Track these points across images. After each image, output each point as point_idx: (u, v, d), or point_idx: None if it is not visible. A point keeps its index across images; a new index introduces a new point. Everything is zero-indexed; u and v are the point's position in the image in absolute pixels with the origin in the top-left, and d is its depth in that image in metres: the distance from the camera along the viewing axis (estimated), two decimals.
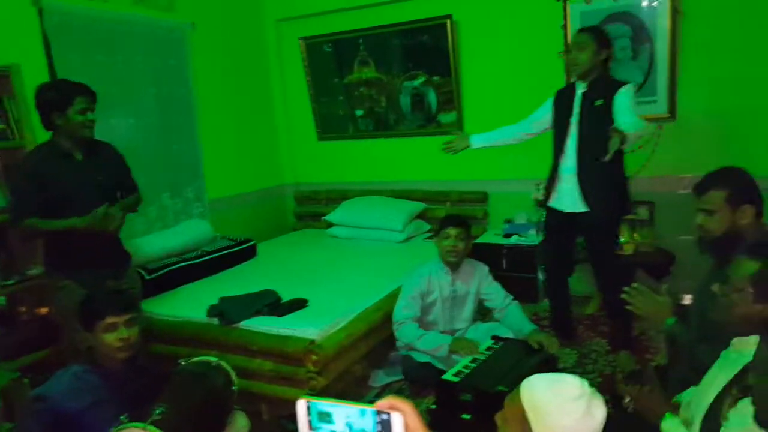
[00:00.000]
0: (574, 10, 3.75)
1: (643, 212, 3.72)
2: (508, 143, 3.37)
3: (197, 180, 4.26)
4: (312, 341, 2.66)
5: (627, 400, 1.76)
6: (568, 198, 3.06)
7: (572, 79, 3.13)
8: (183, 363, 2.32)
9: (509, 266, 4.01)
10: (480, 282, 3.14)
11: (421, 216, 4.54)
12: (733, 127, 3.54)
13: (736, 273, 1.48)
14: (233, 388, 2.26)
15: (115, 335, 1.99)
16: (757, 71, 3.41)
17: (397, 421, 0.72)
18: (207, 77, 4.32)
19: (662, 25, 3.55)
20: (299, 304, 2.99)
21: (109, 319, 1.97)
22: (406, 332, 2.94)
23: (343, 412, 0.75)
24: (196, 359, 2.35)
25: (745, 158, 3.43)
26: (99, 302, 2.04)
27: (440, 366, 2.84)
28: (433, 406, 2.60)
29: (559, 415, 1.10)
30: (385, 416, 0.73)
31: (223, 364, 2.29)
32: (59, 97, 2.46)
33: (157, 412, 1.97)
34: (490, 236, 4.22)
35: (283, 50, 4.95)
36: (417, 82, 4.47)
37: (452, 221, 2.98)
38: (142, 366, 2.21)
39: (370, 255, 4.07)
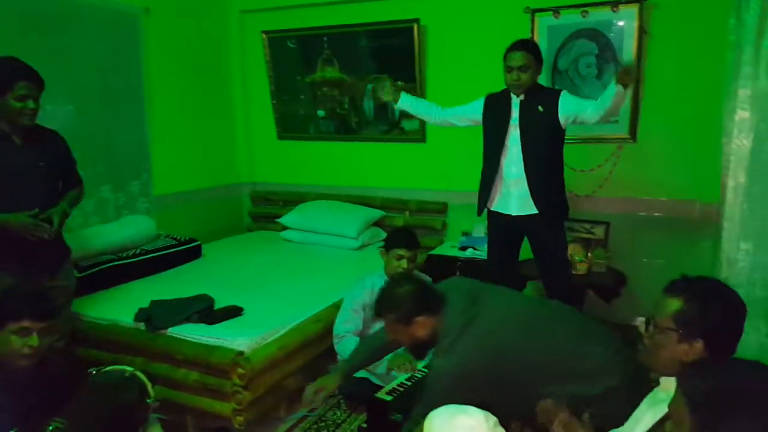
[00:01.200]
0: (541, 23, 3.68)
1: (598, 232, 3.65)
2: (426, 119, 3.36)
3: (143, 174, 4.04)
4: (240, 353, 2.51)
5: None
6: (516, 201, 3.02)
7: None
8: (94, 373, 2.16)
9: None
10: None
11: (378, 224, 4.41)
12: (693, 153, 3.50)
13: (660, 312, 1.42)
14: (148, 401, 2.10)
15: (24, 341, 1.83)
16: (719, 97, 3.35)
17: None
18: (161, 66, 4.13)
19: (628, 45, 3.50)
20: (233, 312, 2.83)
21: (25, 323, 1.81)
22: (346, 346, 2.81)
23: None
24: (109, 369, 2.19)
25: (700, 185, 3.47)
26: (18, 302, 1.87)
27: (378, 382, 2.72)
28: (365, 425, 2.49)
29: None
30: None
31: (139, 374, 2.13)
32: None
33: (51, 428, 1.82)
34: (446, 248, 4.13)
35: (245, 43, 4.79)
36: None
37: (405, 241, 2.86)
38: (54, 373, 2.04)
39: (322, 261, 3.92)
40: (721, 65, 2.71)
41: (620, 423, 1.50)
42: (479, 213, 3.19)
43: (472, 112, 3.14)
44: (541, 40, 3.68)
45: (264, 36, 4.58)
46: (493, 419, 1.11)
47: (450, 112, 3.23)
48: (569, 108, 2.88)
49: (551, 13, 3.63)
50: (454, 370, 1.90)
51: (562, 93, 2.93)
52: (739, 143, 2.38)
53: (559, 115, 2.89)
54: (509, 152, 2.99)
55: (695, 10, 3.36)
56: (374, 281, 2.90)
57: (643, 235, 3.71)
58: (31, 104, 2.35)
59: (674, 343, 1.39)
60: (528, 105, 2.94)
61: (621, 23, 3.49)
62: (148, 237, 3.73)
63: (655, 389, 1.51)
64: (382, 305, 2.09)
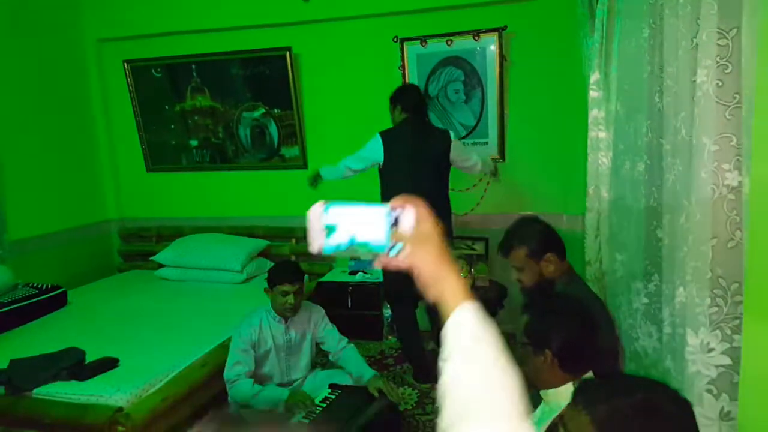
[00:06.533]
0: (411, 52, 3.83)
1: (479, 247, 3.82)
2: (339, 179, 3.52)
3: None
4: (119, 409, 2.32)
5: None
6: None
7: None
8: None
9: (354, 304, 3.94)
10: (315, 326, 2.97)
11: (264, 254, 4.30)
12: (557, 170, 3.77)
13: (519, 329, 1.56)
14: None
15: None
16: (572, 116, 3.58)
17: (408, 214, 0.80)
18: (11, 100, 3.80)
19: (491, 71, 3.73)
20: (108, 364, 2.61)
21: None
22: (240, 390, 2.64)
23: (349, 221, 0.80)
24: None
25: (566, 199, 3.74)
26: None
27: None
28: None
29: None
30: (397, 212, 0.80)
31: None
32: None
33: None
34: (336, 274, 4.13)
35: (105, 73, 4.51)
36: (257, 114, 4.27)
37: (287, 276, 2.72)
38: None
39: (204, 299, 3.73)
40: (578, 87, 2.92)
41: None
42: None
43: (376, 154, 3.33)
44: (411, 67, 3.83)
45: (126, 65, 4.33)
46: None
47: (351, 161, 3.43)
48: (463, 158, 3.31)
49: (419, 42, 3.78)
50: None
51: (452, 139, 3.24)
52: (598, 160, 2.55)
53: None
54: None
55: (549, 38, 3.64)
56: (262, 317, 2.80)
57: None
58: None
59: (531, 356, 1.50)
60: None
61: (484, 51, 3.71)
62: (4, 287, 3.36)
63: (542, 404, 1.58)
64: (516, 236, 2.05)
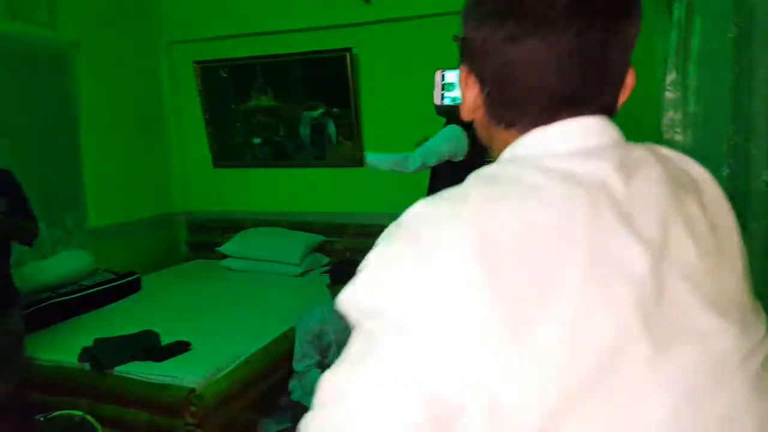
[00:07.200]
0: None
1: None
2: (401, 170, 3.10)
3: (78, 207, 3.91)
4: (192, 390, 2.46)
5: None
6: None
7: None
8: (42, 419, 2.09)
9: None
10: None
11: (320, 249, 4.42)
12: None
13: None
14: None
15: None
16: (641, 118, 3.58)
17: None
18: (94, 99, 4.04)
19: None
20: (181, 347, 2.77)
21: None
22: (311, 380, 2.76)
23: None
24: (57, 414, 2.13)
25: None
26: None
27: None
28: None
29: None
30: None
31: (89, 419, 2.09)
32: None
33: None
34: None
35: (176, 73, 4.73)
36: (316, 113, 4.40)
37: (350, 277, 2.80)
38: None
39: (265, 289, 3.88)
40: (650, 87, 2.82)
41: None
42: None
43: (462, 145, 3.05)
44: None
45: (196, 66, 4.54)
46: None
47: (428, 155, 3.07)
48: None
49: None
50: None
51: None
52: None
53: None
54: None
55: None
56: (323, 311, 2.89)
57: None
58: None
59: None
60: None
61: None
62: (85, 272, 3.61)
63: None
64: None
